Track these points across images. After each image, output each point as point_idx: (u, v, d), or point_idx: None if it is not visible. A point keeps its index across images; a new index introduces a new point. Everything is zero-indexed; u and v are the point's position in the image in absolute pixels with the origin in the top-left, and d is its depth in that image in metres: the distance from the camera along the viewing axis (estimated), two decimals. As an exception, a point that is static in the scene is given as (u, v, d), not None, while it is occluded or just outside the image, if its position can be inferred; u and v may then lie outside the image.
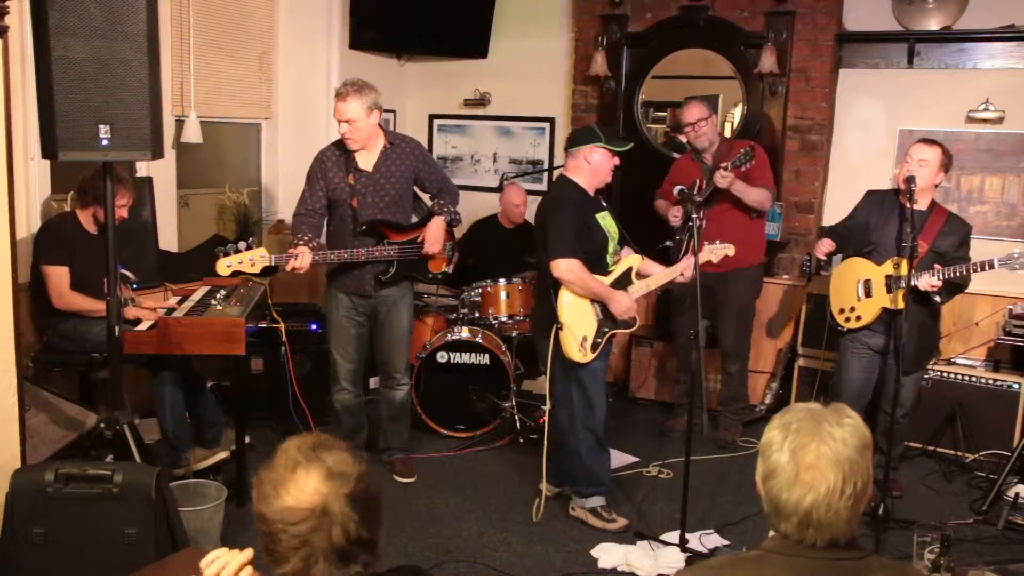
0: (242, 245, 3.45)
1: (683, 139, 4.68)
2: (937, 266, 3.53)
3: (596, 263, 3.45)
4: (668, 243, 4.49)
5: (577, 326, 3.42)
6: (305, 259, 3.49)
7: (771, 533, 1.53)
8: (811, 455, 1.44)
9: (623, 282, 3.54)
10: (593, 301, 3.46)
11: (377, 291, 3.77)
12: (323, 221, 3.75)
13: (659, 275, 3.60)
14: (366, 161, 3.70)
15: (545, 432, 3.62)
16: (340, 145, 3.72)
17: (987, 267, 3.49)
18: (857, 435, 1.47)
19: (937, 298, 3.63)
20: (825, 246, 3.89)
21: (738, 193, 4.27)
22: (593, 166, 3.46)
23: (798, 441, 1.46)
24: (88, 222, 3.67)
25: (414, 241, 3.79)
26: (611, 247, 3.54)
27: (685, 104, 4.55)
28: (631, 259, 3.61)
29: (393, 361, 3.93)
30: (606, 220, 3.54)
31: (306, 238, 3.60)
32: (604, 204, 3.60)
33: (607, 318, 3.49)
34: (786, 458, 1.45)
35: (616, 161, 3.51)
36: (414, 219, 3.88)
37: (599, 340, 3.48)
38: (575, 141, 3.53)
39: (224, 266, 3.41)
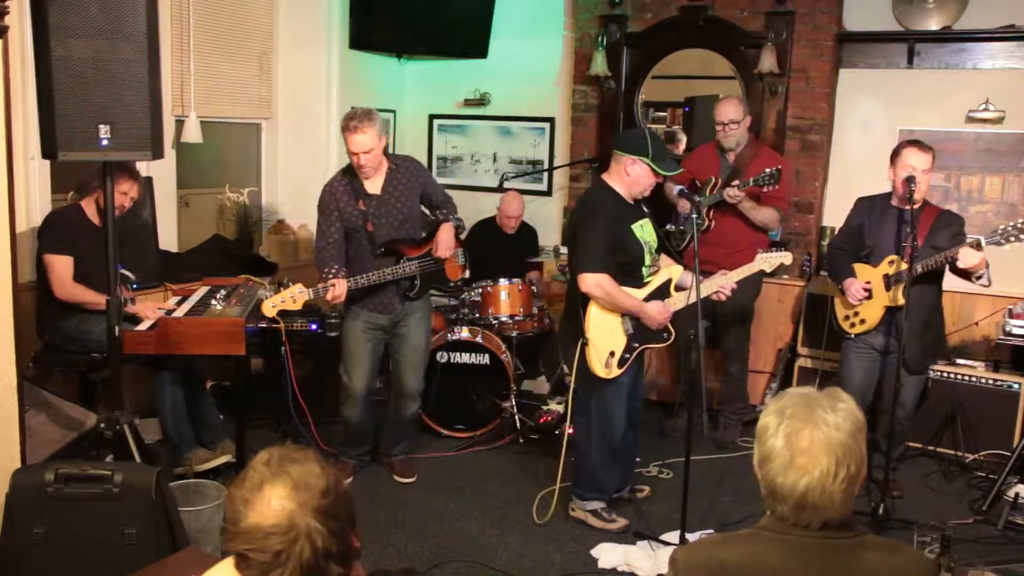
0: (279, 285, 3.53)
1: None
2: (980, 237, 3.46)
3: (630, 275, 3.36)
4: (669, 226, 4.47)
5: (603, 342, 3.34)
6: (341, 287, 3.53)
7: (767, 513, 1.56)
8: (805, 440, 1.48)
9: (661, 295, 3.45)
10: (624, 315, 3.37)
11: (404, 307, 3.80)
12: (343, 250, 3.73)
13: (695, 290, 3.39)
14: (374, 185, 3.72)
15: (564, 441, 3.56)
16: (345, 173, 3.74)
17: (977, 246, 3.45)
18: (850, 419, 1.51)
19: (984, 280, 3.54)
20: (859, 291, 3.76)
21: (744, 211, 4.27)
22: (632, 178, 3.34)
23: (792, 427, 1.49)
24: (93, 213, 3.64)
25: (429, 253, 3.82)
26: (647, 259, 3.42)
27: (722, 100, 4.48)
28: (671, 270, 3.49)
29: (407, 381, 3.91)
30: (644, 229, 3.41)
31: (334, 269, 3.62)
32: (645, 210, 3.48)
33: (638, 333, 3.40)
34: (781, 443, 1.49)
35: (659, 179, 3.38)
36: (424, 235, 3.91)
37: (627, 356, 3.40)
38: (623, 144, 3.37)
39: (270, 307, 3.46)
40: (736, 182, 4.21)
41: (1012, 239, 3.43)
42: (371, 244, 3.70)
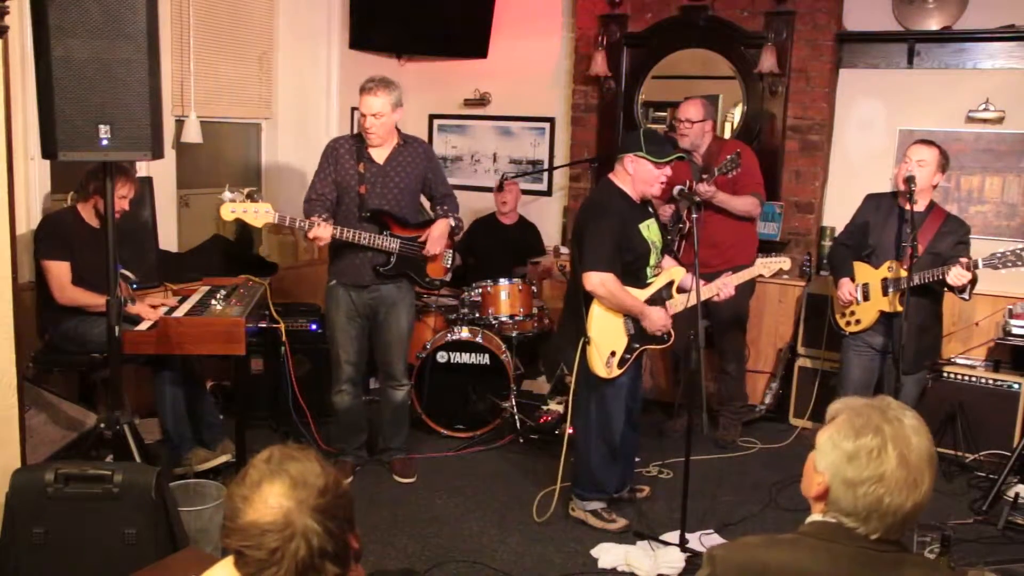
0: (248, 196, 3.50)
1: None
2: (963, 260, 3.48)
3: (634, 275, 3.36)
4: None
5: (605, 342, 3.35)
6: (326, 230, 3.54)
7: (810, 519, 1.53)
8: (913, 456, 1.44)
9: (663, 296, 3.44)
10: (626, 316, 3.38)
11: (374, 283, 3.78)
12: (331, 208, 3.74)
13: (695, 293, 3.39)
14: (379, 155, 3.74)
15: (564, 441, 3.58)
16: (354, 136, 3.77)
17: (972, 268, 3.46)
18: (925, 426, 1.49)
19: (964, 295, 3.57)
20: (847, 295, 3.79)
21: (721, 204, 4.25)
22: (634, 175, 3.33)
23: (898, 445, 1.44)
24: (90, 215, 3.64)
25: (416, 240, 3.80)
26: (652, 259, 3.42)
27: (687, 100, 4.49)
28: (673, 272, 3.49)
29: (392, 363, 3.93)
30: (650, 230, 3.41)
31: (323, 215, 3.63)
32: (652, 211, 3.48)
33: (639, 334, 3.41)
34: (894, 464, 1.43)
35: (665, 172, 3.33)
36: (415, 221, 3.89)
37: (628, 356, 3.41)
38: (621, 146, 3.39)
39: (228, 211, 3.46)
40: (704, 176, 4.22)
41: (1009, 265, 3.43)
42: (359, 208, 3.70)
